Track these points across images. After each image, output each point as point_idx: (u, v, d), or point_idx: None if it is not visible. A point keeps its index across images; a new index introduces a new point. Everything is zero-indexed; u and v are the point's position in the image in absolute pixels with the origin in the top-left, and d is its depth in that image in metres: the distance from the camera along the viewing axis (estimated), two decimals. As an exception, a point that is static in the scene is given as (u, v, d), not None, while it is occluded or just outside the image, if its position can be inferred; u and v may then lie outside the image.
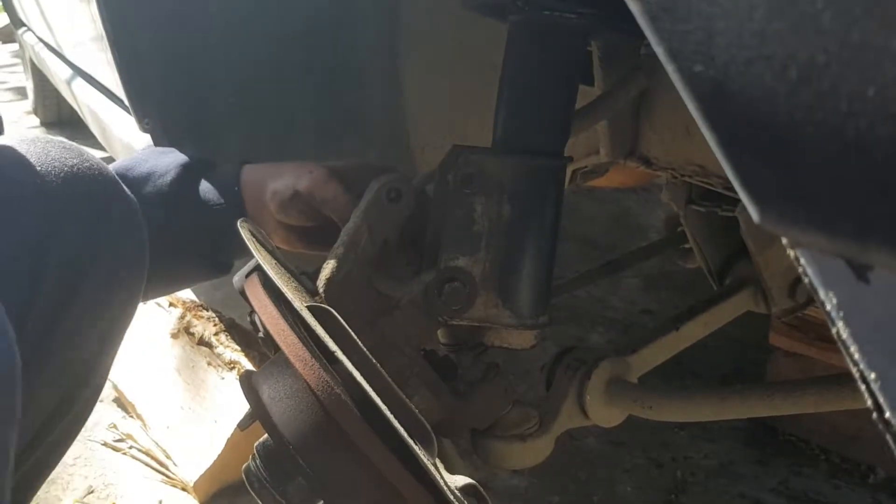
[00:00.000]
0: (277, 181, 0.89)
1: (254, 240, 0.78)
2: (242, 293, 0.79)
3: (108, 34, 1.03)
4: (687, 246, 1.24)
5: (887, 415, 0.27)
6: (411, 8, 1.24)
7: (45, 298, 0.70)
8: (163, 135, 1.11)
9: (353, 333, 0.70)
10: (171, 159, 0.92)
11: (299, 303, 0.70)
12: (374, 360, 0.69)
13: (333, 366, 0.69)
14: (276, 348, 0.82)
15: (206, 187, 0.93)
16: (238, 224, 0.78)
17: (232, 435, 1.31)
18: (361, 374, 0.66)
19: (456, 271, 0.79)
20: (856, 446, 1.34)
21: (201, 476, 1.30)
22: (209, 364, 1.41)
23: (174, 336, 1.49)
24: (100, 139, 1.67)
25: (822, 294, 0.28)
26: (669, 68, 0.27)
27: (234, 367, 1.38)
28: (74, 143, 0.80)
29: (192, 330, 1.47)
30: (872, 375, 0.28)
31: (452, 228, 0.78)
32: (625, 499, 1.29)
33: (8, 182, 0.72)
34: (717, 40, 0.25)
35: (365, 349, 0.69)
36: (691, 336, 1.01)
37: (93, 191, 0.76)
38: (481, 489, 0.74)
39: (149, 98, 1.08)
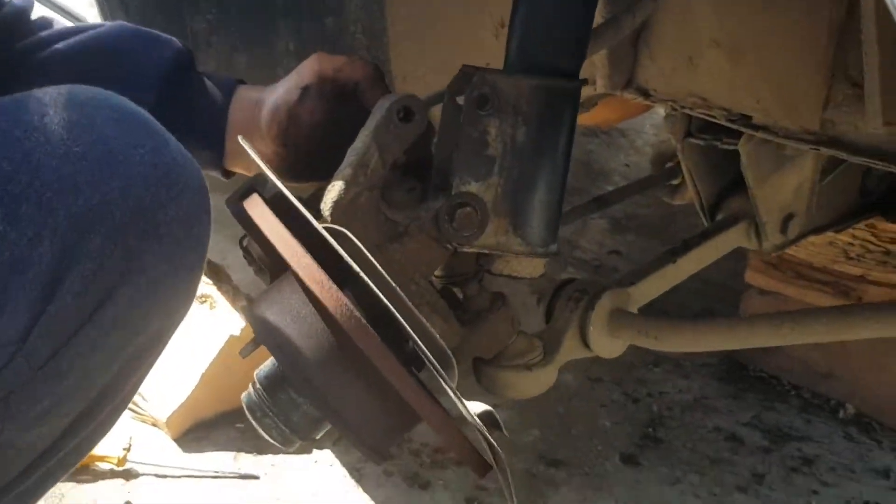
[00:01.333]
0: (274, 94, 0.83)
1: (259, 156, 0.73)
2: (239, 214, 0.74)
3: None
4: (675, 182, 1.23)
5: None
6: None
7: (60, 309, 0.56)
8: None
9: (370, 257, 0.67)
10: (158, 56, 0.83)
11: (318, 224, 0.66)
12: (394, 284, 0.66)
13: (344, 289, 0.66)
14: (275, 274, 0.78)
15: (188, 113, 0.85)
16: (239, 139, 0.74)
17: (206, 370, 1.27)
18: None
19: (468, 196, 0.76)
20: (827, 383, 1.37)
21: (174, 412, 1.26)
22: (179, 298, 1.35)
23: (140, 269, 1.43)
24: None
25: None
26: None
27: (205, 301, 1.34)
28: (146, 116, 0.61)
29: (159, 263, 1.41)
30: None
31: (466, 152, 0.75)
32: (604, 432, 1.31)
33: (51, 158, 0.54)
34: None
35: (384, 272, 0.66)
36: (688, 269, 1.01)
37: (145, 193, 0.57)
38: (496, 415, 0.73)
39: (125, 12, 1.01)
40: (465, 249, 0.78)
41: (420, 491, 1.21)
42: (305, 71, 0.82)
